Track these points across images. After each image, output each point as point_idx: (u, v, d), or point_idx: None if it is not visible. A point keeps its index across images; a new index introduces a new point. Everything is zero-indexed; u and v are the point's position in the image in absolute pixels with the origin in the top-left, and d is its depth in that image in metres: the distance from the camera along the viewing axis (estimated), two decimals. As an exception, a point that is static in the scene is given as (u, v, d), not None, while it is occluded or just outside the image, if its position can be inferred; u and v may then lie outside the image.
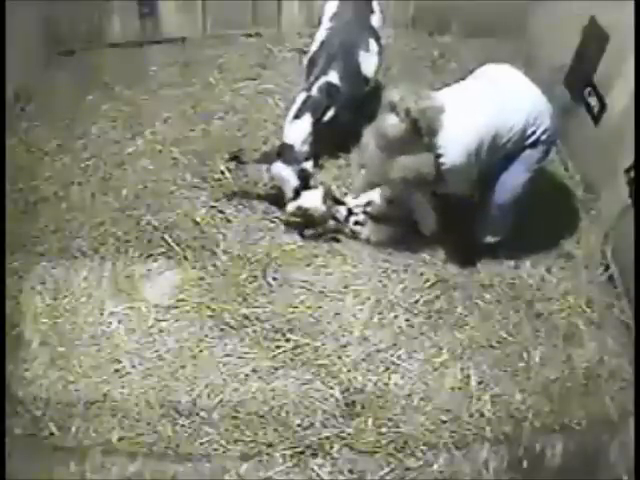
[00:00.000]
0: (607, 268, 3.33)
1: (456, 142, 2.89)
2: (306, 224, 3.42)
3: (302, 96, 3.47)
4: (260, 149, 3.75)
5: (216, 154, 3.77)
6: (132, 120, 4.03)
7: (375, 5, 3.84)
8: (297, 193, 3.39)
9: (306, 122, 3.43)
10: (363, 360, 2.98)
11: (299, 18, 4.57)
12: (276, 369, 2.95)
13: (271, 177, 3.48)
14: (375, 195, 3.42)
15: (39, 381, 2.90)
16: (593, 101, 3.53)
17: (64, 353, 2.99)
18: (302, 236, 3.41)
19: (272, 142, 3.80)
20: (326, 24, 3.73)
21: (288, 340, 3.03)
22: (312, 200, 3.36)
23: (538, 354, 3.03)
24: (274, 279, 3.24)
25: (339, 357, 2.98)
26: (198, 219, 3.48)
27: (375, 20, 3.78)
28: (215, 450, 2.73)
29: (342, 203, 3.43)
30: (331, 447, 2.73)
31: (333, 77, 3.50)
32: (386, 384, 2.91)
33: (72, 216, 3.52)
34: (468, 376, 2.95)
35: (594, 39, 3.51)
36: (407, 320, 3.12)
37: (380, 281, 3.25)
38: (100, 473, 2.66)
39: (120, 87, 4.23)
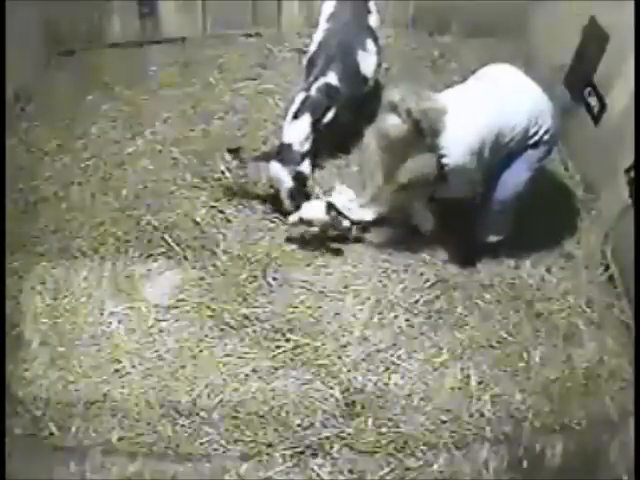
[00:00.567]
0: (607, 268, 3.33)
1: (459, 143, 2.89)
2: (306, 238, 3.40)
3: (301, 96, 3.47)
4: (260, 149, 3.75)
5: (216, 154, 3.77)
6: (132, 120, 4.03)
7: (372, 5, 3.84)
8: (292, 196, 3.38)
9: (305, 122, 3.43)
10: (363, 360, 2.98)
11: (299, 18, 4.57)
12: (276, 369, 2.95)
13: (268, 176, 3.47)
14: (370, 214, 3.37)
15: (39, 381, 2.90)
16: (593, 101, 3.53)
17: (64, 353, 2.99)
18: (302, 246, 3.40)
19: (272, 142, 3.80)
20: (323, 25, 3.73)
21: (288, 340, 3.03)
22: (314, 211, 3.32)
23: (538, 354, 3.03)
24: (274, 279, 3.24)
25: (339, 357, 2.98)
26: (198, 219, 3.48)
27: (372, 20, 3.78)
28: (215, 450, 2.73)
29: (344, 216, 3.35)
30: (331, 447, 2.73)
31: (332, 78, 3.50)
32: (386, 384, 2.91)
33: (72, 216, 3.52)
34: (468, 376, 2.95)
35: (594, 39, 3.52)
36: (407, 320, 3.12)
37: (380, 281, 3.25)
38: (100, 473, 2.66)
39: (120, 87, 4.22)
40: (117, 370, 2.95)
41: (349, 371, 2.94)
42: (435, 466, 2.70)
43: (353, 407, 2.84)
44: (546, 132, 2.99)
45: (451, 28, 4.54)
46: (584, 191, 3.65)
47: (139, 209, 3.53)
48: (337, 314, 3.13)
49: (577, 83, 3.68)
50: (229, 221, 3.50)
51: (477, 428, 2.81)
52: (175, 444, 2.74)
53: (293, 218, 3.33)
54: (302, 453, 2.72)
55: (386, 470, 2.69)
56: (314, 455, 2.71)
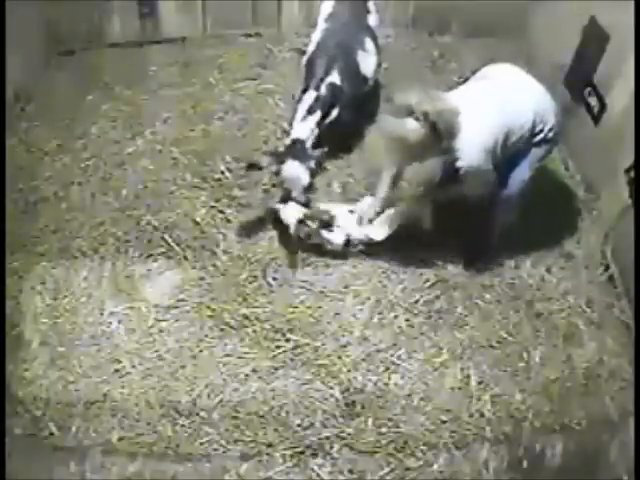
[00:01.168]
0: (607, 268, 3.33)
1: (474, 144, 2.84)
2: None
3: (312, 94, 3.43)
4: (260, 149, 3.76)
5: (216, 154, 3.77)
6: (132, 120, 4.03)
7: (371, 5, 3.84)
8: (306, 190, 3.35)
9: (317, 118, 3.42)
10: (363, 360, 2.98)
11: (299, 18, 4.57)
12: (276, 369, 2.95)
13: (281, 179, 3.39)
14: (379, 230, 3.30)
15: (39, 381, 2.90)
16: (593, 101, 3.53)
17: (64, 353, 2.99)
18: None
19: (272, 142, 3.81)
20: (322, 25, 3.72)
21: (288, 340, 3.03)
22: (288, 215, 3.27)
23: (538, 354, 3.03)
24: (274, 279, 3.24)
25: (339, 357, 2.98)
26: (198, 219, 3.48)
27: (372, 20, 3.78)
28: (215, 450, 2.73)
29: (329, 225, 3.28)
30: (331, 447, 2.73)
31: (335, 78, 3.50)
32: (386, 384, 2.91)
33: (72, 216, 3.52)
34: (468, 376, 2.95)
35: (594, 39, 3.52)
36: (407, 320, 3.12)
37: (380, 281, 3.25)
38: (100, 473, 2.66)
39: (120, 87, 4.22)
40: (117, 370, 2.95)
41: (349, 371, 2.94)
42: (435, 466, 2.70)
43: (353, 407, 2.84)
44: (550, 130, 2.99)
45: (451, 28, 4.54)
46: (585, 191, 3.65)
47: (139, 209, 3.53)
48: (337, 314, 3.13)
49: (577, 83, 3.68)
50: (229, 221, 3.49)
51: (477, 428, 2.81)
52: (175, 444, 2.74)
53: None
54: (302, 453, 2.72)
55: (386, 470, 2.69)
56: (314, 455, 2.72)
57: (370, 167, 3.59)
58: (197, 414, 2.81)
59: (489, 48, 4.26)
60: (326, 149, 3.47)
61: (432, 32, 4.58)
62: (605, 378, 2.98)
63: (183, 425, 2.79)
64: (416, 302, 3.18)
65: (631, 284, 3.12)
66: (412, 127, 2.76)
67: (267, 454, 2.71)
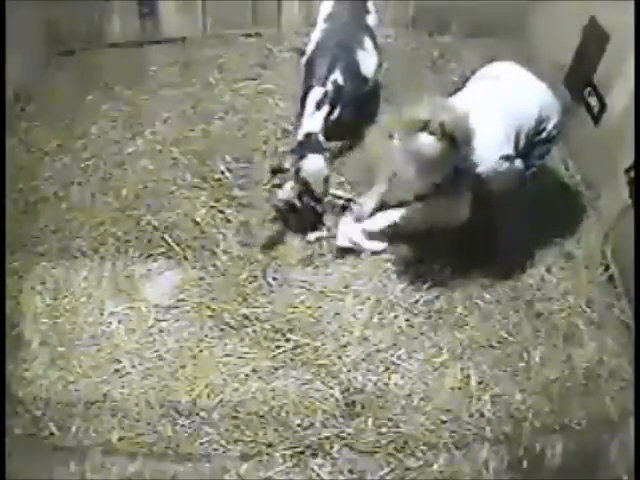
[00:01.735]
0: (607, 268, 3.33)
1: (490, 147, 2.81)
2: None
3: (320, 90, 3.40)
4: (260, 149, 3.75)
5: (216, 154, 3.77)
6: (132, 120, 4.02)
7: (370, 5, 3.83)
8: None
9: (325, 114, 3.39)
10: (363, 360, 2.97)
11: (299, 18, 4.57)
12: (276, 369, 2.94)
13: (301, 175, 3.27)
14: (396, 214, 3.29)
15: (39, 381, 2.90)
16: (593, 101, 3.53)
17: (64, 353, 2.99)
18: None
19: (272, 142, 3.80)
20: (321, 25, 3.72)
21: (288, 340, 3.02)
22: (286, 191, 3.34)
23: (538, 354, 3.03)
24: (274, 279, 3.24)
25: (339, 357, 2.98)
26: (198, 219, 3.48)
27: (371, 20, 3.78)
28: (215, 450, 2.72)
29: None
30: (331, 447, 2.72)
31: (338, 76, 3.49)
32: (386, 384, 2.91)
33: (72, 216, 3.52)
34: (468, 376, 2.94)
35: (594, 39, 3.51)
36: (407, 320, 3.11)
37: (380, 281, 3.25)
38: (100, 473, 2.66)
39: (120, 87, 4.22)
40: (117, 370, 2.94)
41: (349, 371, 2.93)
42: (435, 466, 2.69)
43: (353, 407, 2.83)
44: (554, 127, 2.99)
45: (451, 28, 4.53)
46: (585, 191, 3.65)
47: (139, 209, 3.53)
48: (337, 314, 3.12)
49: (577, 83, 3.68)
50: (229, 221, 3.49)
51: (477, 428, 2.80)
52: (175, 444, 2.73)
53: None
54: (302, 453, 2.71)
55: (386, 470, 2.68)
56: (314, 455, 2.71)
57: (370, 167, 3.60)
58: (197, 414, 2.81)
59: (489, 48, 4.25)
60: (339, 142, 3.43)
61: (432, 32, 4.57)
62: (605, 378, 2.97)
63: (183, 425, 2.78)
64: (416, 302, 3.17)
65: (631, 284, 3.12)
66: (427, 142, 2.66)
67: (267, 454, 2.71)
